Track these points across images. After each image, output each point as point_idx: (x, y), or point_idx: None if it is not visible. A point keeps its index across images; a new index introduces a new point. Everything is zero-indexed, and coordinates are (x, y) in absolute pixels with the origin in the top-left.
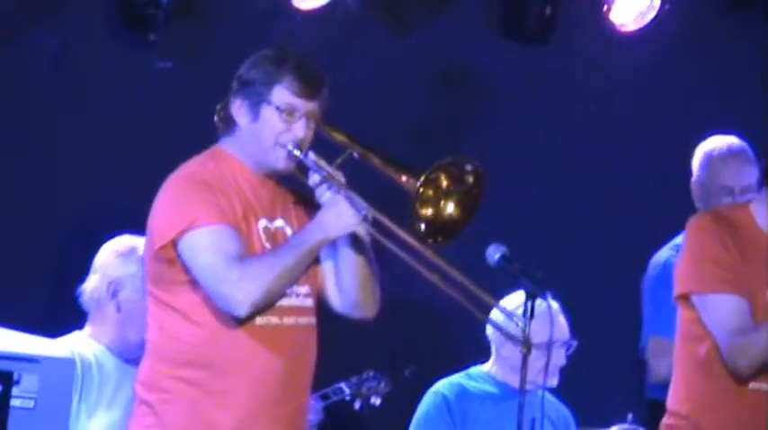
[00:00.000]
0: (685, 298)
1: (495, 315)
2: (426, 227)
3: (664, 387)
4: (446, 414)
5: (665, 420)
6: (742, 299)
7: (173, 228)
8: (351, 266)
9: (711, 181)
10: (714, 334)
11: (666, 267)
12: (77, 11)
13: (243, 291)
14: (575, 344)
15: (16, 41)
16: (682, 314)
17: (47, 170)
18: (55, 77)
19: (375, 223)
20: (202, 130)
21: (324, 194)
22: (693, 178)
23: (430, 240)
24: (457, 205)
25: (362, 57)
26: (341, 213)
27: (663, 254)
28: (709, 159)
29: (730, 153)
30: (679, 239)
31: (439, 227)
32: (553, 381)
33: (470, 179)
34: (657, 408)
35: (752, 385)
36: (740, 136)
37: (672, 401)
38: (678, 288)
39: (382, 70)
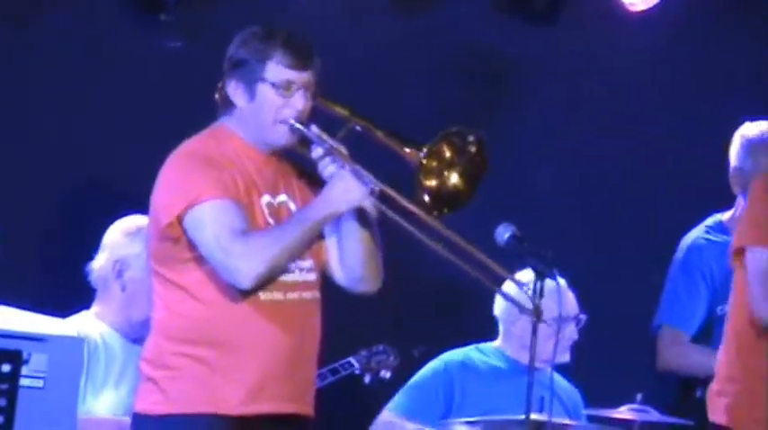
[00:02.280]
0: (739, 256)
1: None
2: (431, 198)
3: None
4: (440, 384)
5: (715, 386)
6: None
7: (177, 204)
8: (355, 240)
9: (755, 167)
10: (749, 286)
11: (692, 251)
12: None
13: (247, 263)
14: (584, 318)
15: (28, 21)
16: (736, 274)
17: (55, 149)
18: (65, 57)
19: (382, 196)
20: (212, 110)
21: (327, 167)
22: (733, 164)
23: (435, 212)
24: (461, 176)
25: (368, 37)
26: (347, 187)
27: (691, 235)
28: (751, 146)
29: None
30: (710, 220)
31: (444, 198)
32: (565, 357)
33: (473, 149)
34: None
35: None
36: (751, 114)
37: (722, 366)
38: (735, 243)
39: (388, 51)
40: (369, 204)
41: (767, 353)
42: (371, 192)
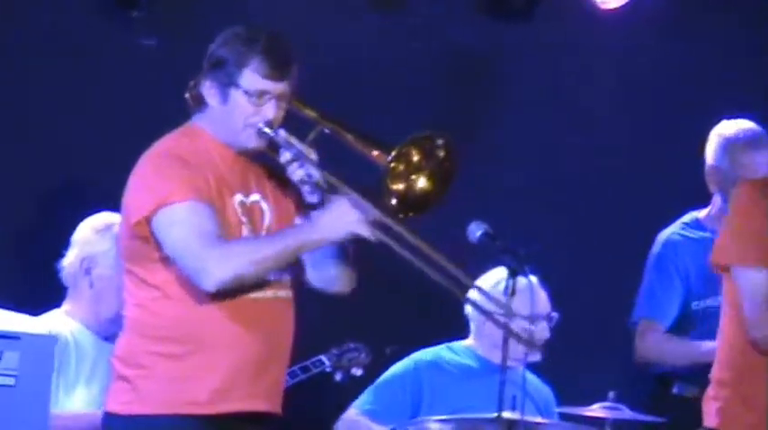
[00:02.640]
0: (725, 268)
1: (475, 293)
2: (398, 201)
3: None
4: (408, 383)
5: (710, 391)
6: None
7: (147, 204)
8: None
9: (731, 167)
10: (742, 305)
11: (667, 246)
12: None
13: (214, 267)
14: (556, 316)
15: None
16: (725, 282)
17: (30, 147)
18: (38, 53)
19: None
20: (184, 108)
21: (295, 172)
22: (709, 162)
23: (400, 215)
24: (428, 180)
25: (346, 36)
26: (342, 216)
27: (667, 231)
28: (729, 145)
29: (750, 139)
30: (687, 217)
31: (411, 202)
32: (536, 355)
33: (441, 153)
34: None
35: None
36: (728, 112)
37: (717, 370)
38: (718, 258)
39: (366, 49)
40: (366, 233)
41: (761, 357)
42: (369, 223)
